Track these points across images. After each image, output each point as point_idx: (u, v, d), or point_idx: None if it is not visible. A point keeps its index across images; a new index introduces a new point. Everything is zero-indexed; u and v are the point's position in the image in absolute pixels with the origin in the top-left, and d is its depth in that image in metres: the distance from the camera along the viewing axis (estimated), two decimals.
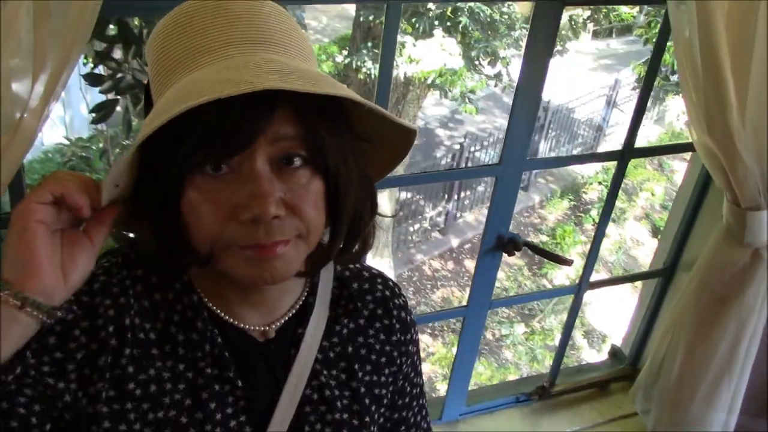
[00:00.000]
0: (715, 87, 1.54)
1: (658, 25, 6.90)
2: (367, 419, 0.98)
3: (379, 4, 6.68)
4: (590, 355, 8.38)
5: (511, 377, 7.96)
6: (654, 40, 7.13)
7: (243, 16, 0.76)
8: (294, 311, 0.94)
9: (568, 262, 1.98)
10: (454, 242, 9.68)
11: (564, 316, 8.89)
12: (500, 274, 8.96)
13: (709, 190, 2.14)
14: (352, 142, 0.83)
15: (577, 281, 2.21)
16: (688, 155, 2.27)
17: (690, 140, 1.80)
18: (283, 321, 0.93)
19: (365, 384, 0.99)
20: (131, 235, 0.90)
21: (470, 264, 9.45)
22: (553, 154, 10.91)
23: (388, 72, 1.58)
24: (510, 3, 7.51)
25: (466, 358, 2.14)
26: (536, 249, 2.02)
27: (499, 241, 1.93)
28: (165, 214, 0.77)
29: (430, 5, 7.00)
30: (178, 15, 0.79)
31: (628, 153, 2.00)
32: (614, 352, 2.54)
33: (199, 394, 0.86)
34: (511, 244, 1.93)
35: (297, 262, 0.81)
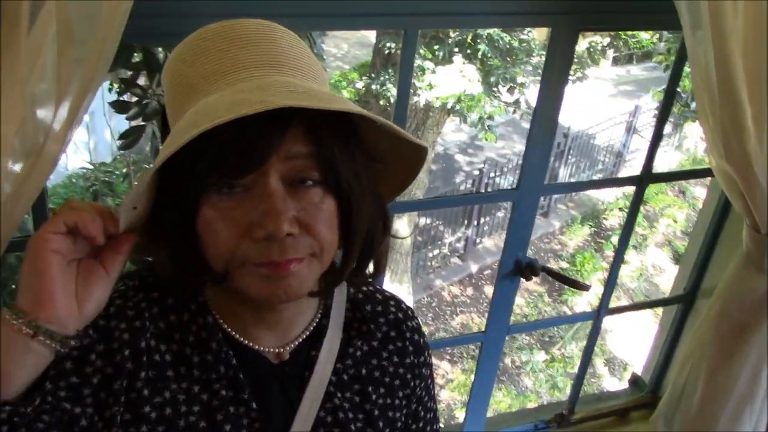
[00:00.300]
0: (732, 112, 1.53)
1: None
2: None
3: (398, 31, 6.71)
4: (611, 383, 8.29)
5: (531, 405, 7.87)
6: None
7: (255, 40, 0.79)
8: (308, 333, 0.95)
9: (585, 287, 1.97)
10: (473, 268, 9.66)
11: (585, 344, 8.81)
12: (520, 301, 8.91)
13: (729, 215, 2.13)
14: (364, 160, 0.84)
15: (597, 307, 2.20)
16: (709, 181, 2.26)
17: (708, 166, 1.79)
18: (297, 343, 0.94)
19: (379, 407, 0.99)
20: (148, 258, 0.92)
21: (490, 290, 9.40)
22: (573, 180, 10.88)
23: (405, 96, 1.60)
24: (529, 30, 7.55)
25: (484, 384, 2.13)
26: (554, 274, 2.01)
27: (517, 266, 1.92)
28: (181, 234, 0.79)
29: (450, 32, 7.06)
30: (192, 41, 0.81)
31: (646, 178, 2.00)
32: (635, 380, 2.51)
33: (214, 416, 0.87)
34: (529, 269, 1.93)
35: (310, 280, 0.82)
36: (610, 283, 2.17)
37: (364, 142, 0.84)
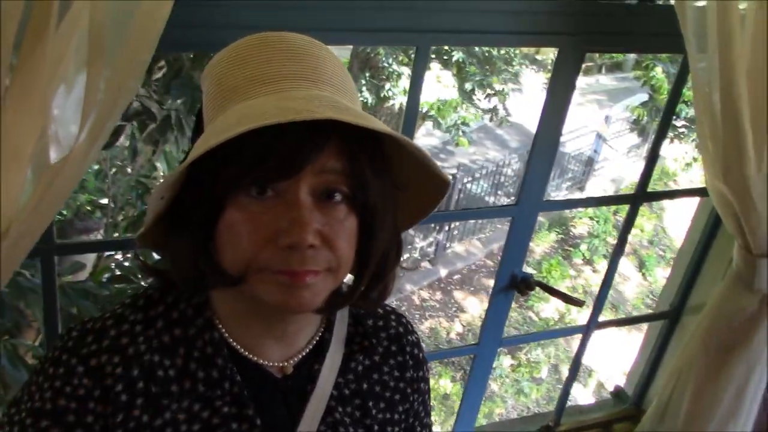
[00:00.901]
0: (734, 138, 1.57)
1: (655, 68, 6.95)
2: None
3: None
4: (577, 389, 8.39)
5: (499, 410, 7.94)
6: (652, 82, 7.32)
7: (301, 54, 0.80)
8: (311, 347, 0.95)
9: (579, 303, 2.00)
10: (443, 272, 9.70)
11: (550, 350, 8.92)
12: (484, 306, 8.98)
13: (718, 235, 2.17)
14: (390, 185, 0.85)
15: (586, 322, 2.22)
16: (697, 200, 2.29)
17: (697, 185, 1.82)
18: (300, 356, 0.94)
19: (379, 422, 0.99)
20: (158, 268, 0.91)
21: (459, 295, 9.46)
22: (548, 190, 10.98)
23: (414, 111, 1.61)
24: None
25: (474, 396, 2.14)
26: (548, 288, 2.04)
27: (513, 280, 1.94)
28: (202, 233, 0.79)
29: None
30: (238, 47, 0.82)
31: (640, 197, 2.03)
32: (617, 393, 2.54)
33: None
34: (524, 284, 1.95)
35: (323, 294, 0.82)
36: (600, 300, 2.20)
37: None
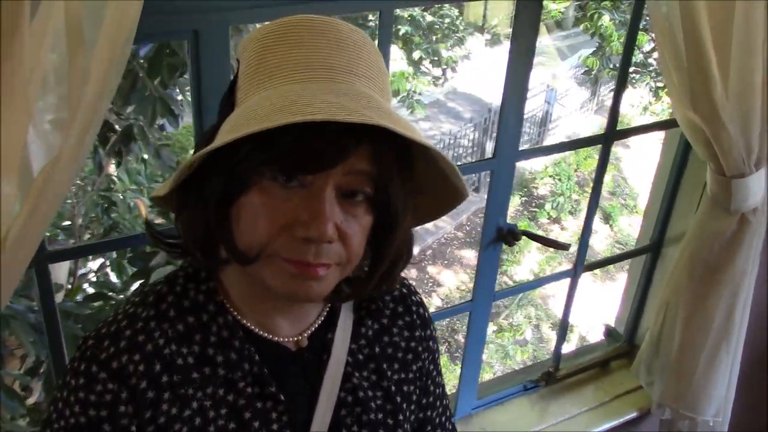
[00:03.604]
0: (698, 64, 1.59)
1: (602, 17, 7.14)
2: (401, 417, 1.01)
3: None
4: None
5: (487, 377, 8.04)
6: (600, 32, 7.46)
7: (347, 44, 0.80)
8: (322, 318, 0.98)
9: (565, 247, 2.04)
10: (414, 250, 9.69)
11: (529, 311, 9.02)
12: (464, 277, 9.03)
13: (688, 163, 2.22)
14: (411, 190, 0.86)
15: (573, 265, 2.27)
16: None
17: (659, 118, 1.85)
18: (313, 328, 0.96)
19: (395, 382, 1.02)
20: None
21: (433, 269, 9.51)
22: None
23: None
24: (452, 6, 7.70)
25: (475, 352, 2.17)
26: (534, 236, 2.07)
27: (499, 233, 1.97)
28: (220, 207, 0.80)
29: (370, 17, 7.12)
30: (284, 24, 0.81)
31: (611, 136, 2.07)
32: (609, 332, 2.60)
33: (241, 415, 0.89)
34: (511, 234, 1.98)
35: (331, 286, 0.84)
36: (584, 243, 2.25)
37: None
